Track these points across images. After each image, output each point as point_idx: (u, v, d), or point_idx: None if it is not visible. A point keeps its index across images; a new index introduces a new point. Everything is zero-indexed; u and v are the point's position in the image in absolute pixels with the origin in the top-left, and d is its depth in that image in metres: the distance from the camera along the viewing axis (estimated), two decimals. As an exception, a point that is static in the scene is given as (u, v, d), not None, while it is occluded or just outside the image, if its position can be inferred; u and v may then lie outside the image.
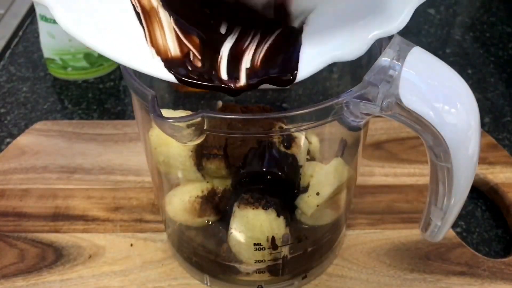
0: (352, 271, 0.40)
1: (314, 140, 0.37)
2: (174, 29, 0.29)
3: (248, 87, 0.28)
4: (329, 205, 0.36)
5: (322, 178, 0.35)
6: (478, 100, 0.29)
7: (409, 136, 0.51)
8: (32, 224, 0.44)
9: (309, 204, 0.35)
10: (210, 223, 0.37)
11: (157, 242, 0.42)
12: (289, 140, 0.34)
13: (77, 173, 0.48)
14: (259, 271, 0.37)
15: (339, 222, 0.40)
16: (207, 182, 0.36)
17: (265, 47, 0.29)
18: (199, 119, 0.26)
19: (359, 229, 0.43)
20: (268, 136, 0.33)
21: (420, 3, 0.27)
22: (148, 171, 0.41)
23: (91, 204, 0.45)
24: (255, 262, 0.36)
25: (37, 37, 0.65)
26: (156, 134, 0.34)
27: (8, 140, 0.53)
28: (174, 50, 0.28)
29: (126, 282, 0.39)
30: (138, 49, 0.28)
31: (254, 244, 0.34)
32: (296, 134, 0.34)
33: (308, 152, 0.37)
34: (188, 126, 0.26)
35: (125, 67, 0.30)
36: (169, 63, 0.28)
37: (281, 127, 0.30)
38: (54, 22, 0.56)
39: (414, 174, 0.48)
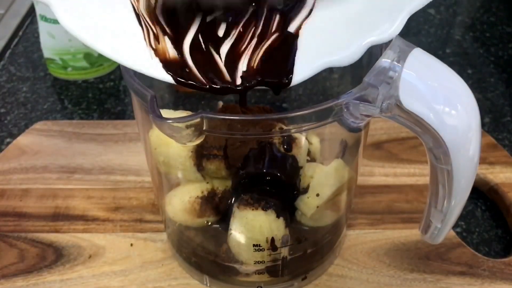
0: (352, 271, 0.40)
1: (315, 141, 0.37)
2: (171, 31, 0.29)
3: (243, 89, 0.28)
4: (329, 207, 0.36)
5: (322, 179, 0.35)
6: (478, 100, 0.29)
7: (409, 136, 0.51)
8: (32, 224, 0.44)
9: (309, 205, 0.35)
10: (210, 223, 0.37)
11: (157, 242, 0.42)
12: (289, 141, 0.34)
13: (77, 173, 0.48)
14: (258, 272, 0.37)
15: (339, 223, 0.40)
16: (207, 182, 0.36)
17: (261, 51, 0.29)
18: (198, 119, 0.26)
19: (359, 229, 0.43)
20: (268, 137, 0.33)
21: (414, 11, 0.27)
22: (148, 171, 0.41)
23: (91, 204, 0.45)
24: (255, 263, 0.36)
25: (37, 37, 0.65)
26: (156, 134, 0.34)
27: (8, 140, 0.53)
28: (172, 51, 0.28)
29: (126, 282, 0.39)
30: (138, 49, 0.28)
31: (254, 245, 0.34)
32: (296, 135, 0.34)
33: (309, 153, 0.36)
34: (187, 127, 0.26)
35: (125, 67, 0.30)
36: (167, 64, 0.28)
37: (281, 128, 0.30)
38: (54, 22, 0.56)
39: (414, 174, 0.48)
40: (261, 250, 0.35)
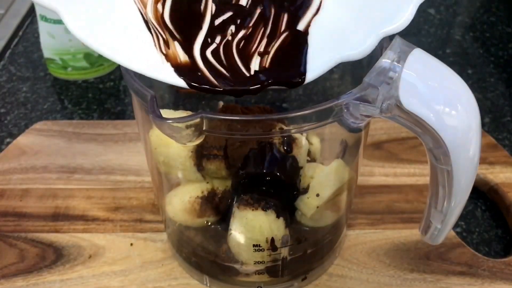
0: (352, 271, 0.40)
1: (315, 141, 0.37)
2: (180, 36, 0.29)
3: (256, 90, 0.28)
4: (329, 207, 0.36)
5: (322, 180, 0.35)
6: (478, 100, 0.29)
7: (409, 136, 0.51)
8: (32, 224, 0.44)
9: (308, 205, 0.35)
10: (210, 223, 0.37)
11: (157, 242, 0.42)
12: (290, 141, 0.34)
13: (77, 173, 0.48)
14: (258, 272, 0.37)
15: (340, 224, 0.40)
16: (207, 182, 0.36)
17: (272, 51, 0.29)
18: (198, 119, 0.26)
19: (359, 229, 0.43)
20: (268, 137, 0.33)
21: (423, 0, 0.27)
22: (148, 171, 0.41)
23: (91, 204, 0.45)
24: (255, 263, 0.36)
25: (37, 37, 0.65)
26: (156, 134, 0.34)
27: (8, 140, 0.53)
28: (182, 56, 0.29)
29: (126, 282, 0.39)
30: (149, 55, 0.28)
31: (254, 245, 0.34)
32: (296, 135, 0.34)
33: (309, 153, 0.36)
34: (187, 127, 0.26)
35: (125, 67, 0.30)
36: (179, 68, 0.28)
37: (281, 128, 0.30)
38: (54, 22, 0.56)
39: (414, 174, 0.48)
40: (261, 250, 0.35)
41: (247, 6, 0.30)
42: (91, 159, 0.49)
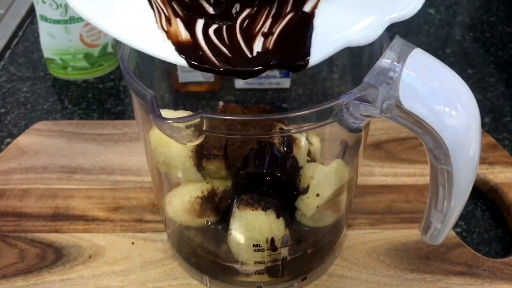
0: (352, 271, 0.40)
1: (315, 141, 0.37)
2: (183, 13, 0.28)
3: (259, 71, 0.27)
4: (329, 207, 0.36)
5: (322, 180, 0.35)
6: (478, 100, 0.29)
7: (409, 136, 0.51)
8: (32, 224, 0.44)
9: (308, 205, 0.35)
10: (210, 223, 0.37)
11: (157, 242, 0.42)
12: (289, 141, 0.34)
13: (77, 173, 0.48)
14: (258, 272, 0.37)
15: (340, 224, 0.40)
16: (207, 182, 0.36)
17: (276, 32, 0.28)
18: (198, 120, 0.26)
19: (359, 229, 0.43)
20: (268, 137, 0.33)
21: None
22: (148, 171, 0.41)
23: (91, 204, 0.45)
24: (255, 263, 0.36)
25: (37, 37, 0.65)
26: (156, 134, 0.34)
27: (8, 140, 0.53)
28: (184, 34, 0.28)
29: (126, 282, 0.39)
30: (149, 32, 0.28)
31: (254, 245, 0.34)
32: (296, 135, 0.34)
33: (309, 153, 0.36)
34: (187, 127, 0.26)
35: (125, 67, 0.30)
36: (180, 47, 0.27)
37: (281, 128, 0.30)
38: (54, 22, 0.56)
39: (414, 174, 0.48)
40: (261, 250, 0.35)
41: None
42: (91, 159, 0.49)
